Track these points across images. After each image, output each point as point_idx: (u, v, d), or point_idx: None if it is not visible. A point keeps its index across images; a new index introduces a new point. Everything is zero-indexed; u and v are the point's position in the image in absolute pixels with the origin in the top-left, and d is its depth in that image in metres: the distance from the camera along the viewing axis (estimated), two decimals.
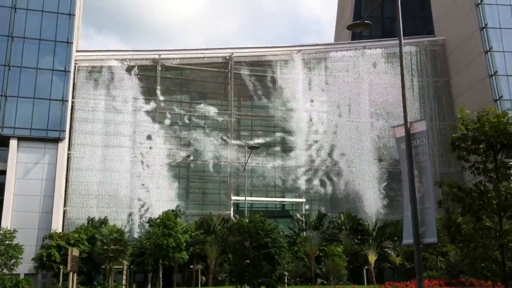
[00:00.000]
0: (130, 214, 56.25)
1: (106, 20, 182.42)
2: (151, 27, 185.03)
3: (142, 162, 58.31)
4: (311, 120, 63.65)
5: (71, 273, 27.95)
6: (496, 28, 60.62)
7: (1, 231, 44.70)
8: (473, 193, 15.64)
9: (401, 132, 16.31)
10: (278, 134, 64.24)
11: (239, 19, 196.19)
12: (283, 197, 64.04)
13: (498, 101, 57.61)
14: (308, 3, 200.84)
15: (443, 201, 16.79)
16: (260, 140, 60.79)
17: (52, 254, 44.31)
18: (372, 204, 60.87)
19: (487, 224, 15.63)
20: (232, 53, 63.72)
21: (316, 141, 63.08)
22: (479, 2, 61.41)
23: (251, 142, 58.21)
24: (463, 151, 16.43)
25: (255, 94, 64.27)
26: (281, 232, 32.29)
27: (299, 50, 65.35)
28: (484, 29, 60.68)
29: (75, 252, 28.78)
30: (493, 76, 59.26)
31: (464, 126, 16.19)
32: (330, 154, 62.77)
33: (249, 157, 47.97)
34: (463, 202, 15.92)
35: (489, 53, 59.84)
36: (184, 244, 44.47)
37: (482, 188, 15.47)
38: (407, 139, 15.72)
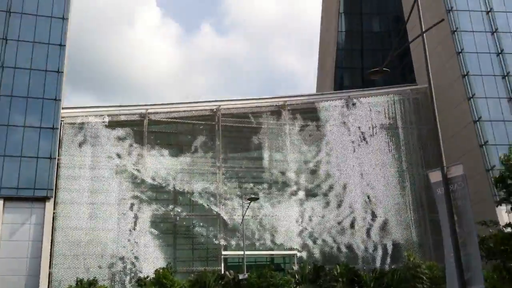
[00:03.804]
0: (117, 274, 54.55)
1: (82, 78, 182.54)
2: (127, 85, 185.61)
3: (129, 216, 57.10)
4: (300, 171, 63.63)
5: None
6: (477, 75, 62.20)
7: None
8: None
9: (437, 177, 16.15)
10: (266, 186, 63.67)
11: (217, 75, 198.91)
12: (272, 249, 62.79)
13: (484, 146, 58.49)
14: (283, 58, 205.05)
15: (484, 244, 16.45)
16: (250, 192, 60.24)
17: None
18: (369, 254, 60.83)
19: None
20: (220, 106, 63.86)
21: (309, 191, 62.86)
22: (460, 51, 62.85)
23: (240, 193, 57.96)
24: (504, 190, 16.33)
25: (243, 146, 64.21)
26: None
27: (286, 101, 65.89)
28: (466, 76, 62.08)
29: None
30: (478, 122, 60.33)
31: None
32: (327, 204, 62.66)
33: (247, 209, 47.13)
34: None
35: (472, 99, 61.08)
36: None
37: None
38: (445, 184, 15.58)
